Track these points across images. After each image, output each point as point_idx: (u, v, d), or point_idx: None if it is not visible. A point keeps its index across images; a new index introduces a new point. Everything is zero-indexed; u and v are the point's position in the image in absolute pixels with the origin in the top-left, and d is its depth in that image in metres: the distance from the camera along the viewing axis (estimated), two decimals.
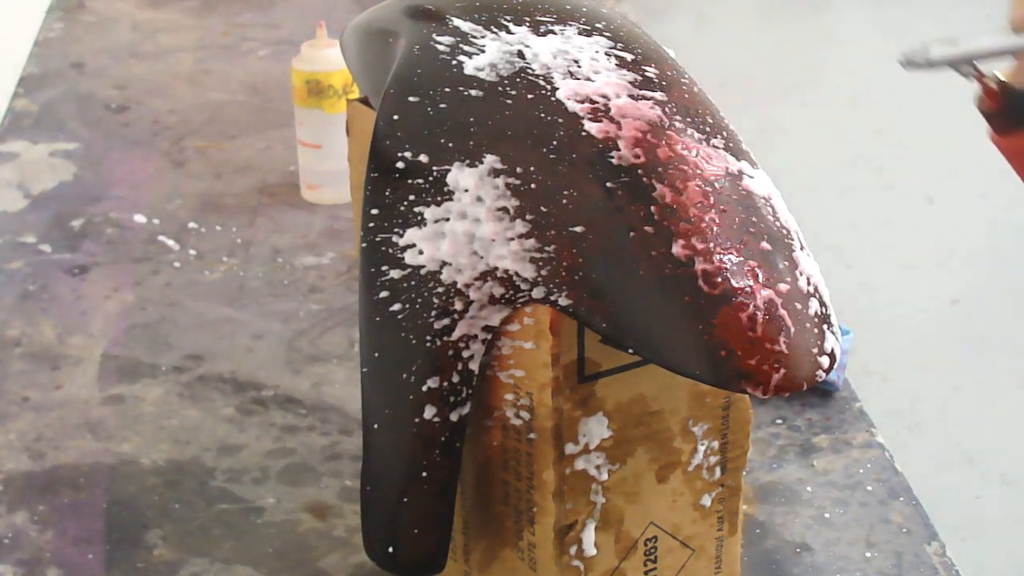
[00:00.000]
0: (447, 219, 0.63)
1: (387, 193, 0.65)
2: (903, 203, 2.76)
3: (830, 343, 0.60)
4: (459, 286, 0.64)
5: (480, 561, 0.73)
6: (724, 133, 0.64)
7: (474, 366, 0.66)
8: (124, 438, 0.94)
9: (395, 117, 0.66)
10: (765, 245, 0.60)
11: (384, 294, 0.65)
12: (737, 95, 3.10)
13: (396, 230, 0.65)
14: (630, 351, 0.62)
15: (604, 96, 0.63)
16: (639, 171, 0.60)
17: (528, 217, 0.61)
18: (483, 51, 0.66)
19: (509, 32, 0.67)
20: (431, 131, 0.64)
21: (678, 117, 0.63)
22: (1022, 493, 2.05)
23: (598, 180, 0.61)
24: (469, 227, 0.63)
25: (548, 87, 0.63)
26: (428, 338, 0.65)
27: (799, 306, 0.59)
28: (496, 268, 0.63)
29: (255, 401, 0.98)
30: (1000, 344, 2.31)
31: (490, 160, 0.63)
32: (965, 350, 2.31)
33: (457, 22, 0.68)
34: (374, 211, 0.65)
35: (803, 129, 3.09)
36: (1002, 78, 0.58)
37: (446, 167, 0.63)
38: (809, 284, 0.61)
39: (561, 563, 0.68)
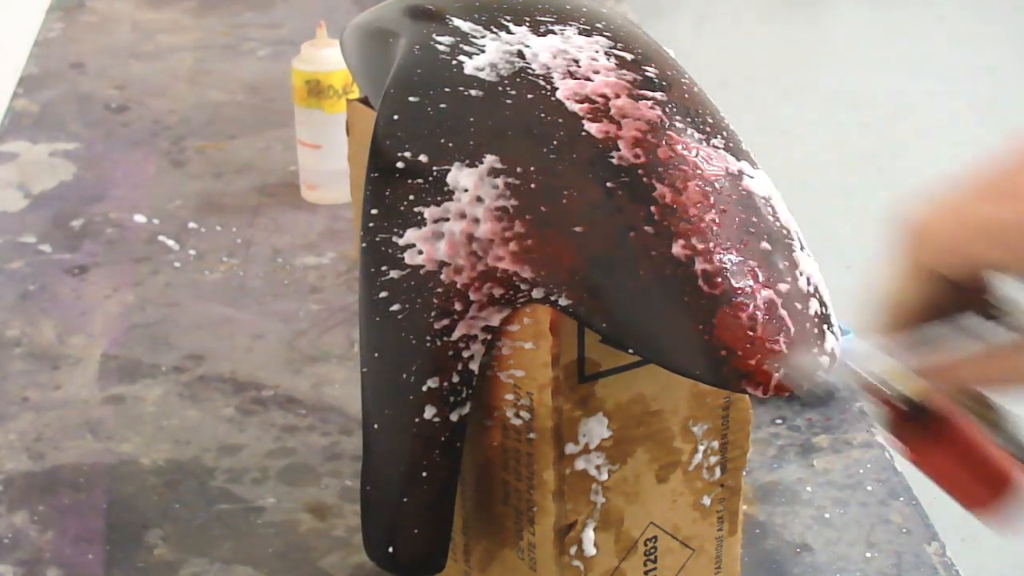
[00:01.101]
0: (447, 219, 0.63)
1: (387, 193, 0.65)
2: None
3: (830, 343, 0.60)
4: (459, 286, 0.64)
5: (480, 561, 0.73)
6: (724, 133, 0.64)
7: (474, 366, 0.66)
8: (124, 438, 0.94)
9: (395, 117, 0.65)
10: (765, 245, 0.60)
11: (384, 294, 0.65)
12: (737, 95, 3.10)
13: (396, 230, 0.65)
14: (630, 351, 0.62)
15: (604, 96, 0.63)
16: (639, 171, 0.60)
17: (528, 217, 0.61)
18: (483, 51, 0.66)
19: (509, 32, 0.67)
20: (431, 131, 0.64)
21: (678, 117, 0.63)
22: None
23: (598, 180, 0.60)
24: (468, 227, 0.63)
25: (548, 87, 0.63)
26: (428, 338, 0.65)
27: (799, 306, 0.59)
28: (496, 268, 0.63)
29: (255, 401, 0.98)
30: None
31: (490, 160, 0.62)
32: None
33: (457, 22, 0.68)
34: (374, 211, 0.65)
35: (803, 129, 3.09)
36: (909, 396, 0.55)
37: (446, 167, 0.63)
38: (809, 284, 0.61)
39: (561, 563, 0.68)
